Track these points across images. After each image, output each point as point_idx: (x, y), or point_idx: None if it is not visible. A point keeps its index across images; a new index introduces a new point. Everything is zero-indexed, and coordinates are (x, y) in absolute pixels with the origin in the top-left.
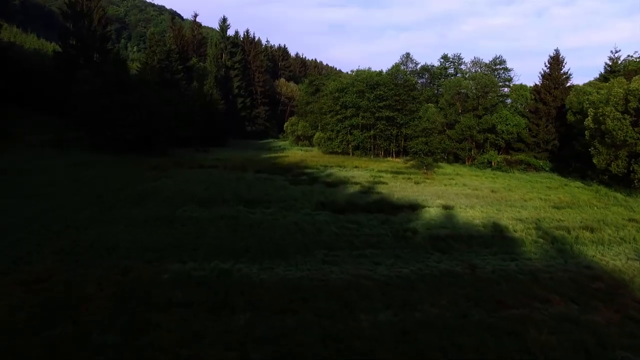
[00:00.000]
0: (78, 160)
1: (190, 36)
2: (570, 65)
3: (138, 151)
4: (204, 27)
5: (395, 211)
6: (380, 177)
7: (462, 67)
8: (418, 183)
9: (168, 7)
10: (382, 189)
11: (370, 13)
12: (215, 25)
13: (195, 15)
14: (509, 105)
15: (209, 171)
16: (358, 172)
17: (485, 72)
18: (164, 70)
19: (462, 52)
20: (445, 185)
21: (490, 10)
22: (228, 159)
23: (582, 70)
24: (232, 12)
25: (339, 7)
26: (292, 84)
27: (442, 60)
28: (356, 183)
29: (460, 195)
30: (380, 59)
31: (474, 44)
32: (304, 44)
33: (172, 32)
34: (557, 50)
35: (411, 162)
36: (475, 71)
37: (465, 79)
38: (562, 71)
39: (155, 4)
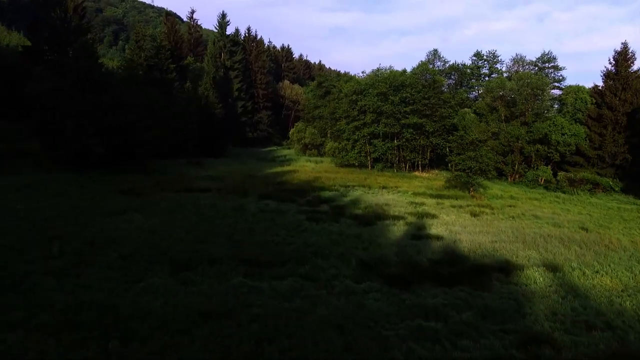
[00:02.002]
0: (22, 181)
1: (186, 34)
2: (571, 69)
3: (111, 167)
4: (204, 29)
5: (482, 279)
6: (422, 204)
7: (498, 66)
8: (476, 215)
9: (167, 9)
10: (436, 228)
11: (373, 17)
12: (214, 28)
13: (192, 12)
14: (564, 111)
15: (199, 197)
16: (389, 195)
17: (532, 72)
18: (152, 68)
19: (463, 56)
20: (513, 217)
21: (492, 14)
22: (225, 175)
23: (584, 75)
24: (232, 15)
25: (342, 12)
26: (296, 86)
27: (474, 58)
28: (397, 217)
29: (549, 238)
30: (382, 63)
31: (476, 48)
32: (306, 48)
33: (165, 27)
34: (625, 44)
35: (452, 180)
36: (516, 70)
37: (509, 79)
38: (631, 69)
39: (155, 5)
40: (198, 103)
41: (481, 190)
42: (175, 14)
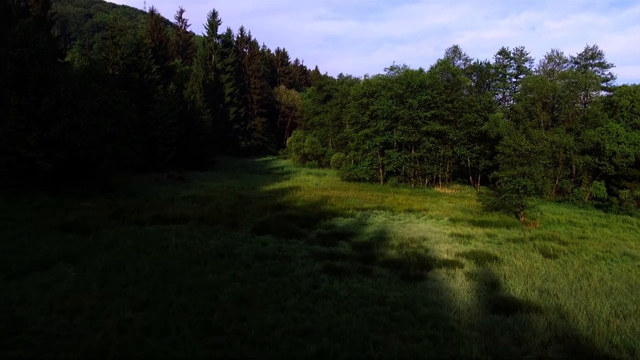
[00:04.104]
0: None
1: (174, 36)
2: None
3: (64, 186)
4: (197, 36)
5: None
6: (469, 237)
7: (527, 65)
8: (552, 255)
9: (159, 14)
10: (515, 284)
11: (367, 26)
12: (204, 28)
13: (181, 11)
14: (617, 116)
15: (171, 233)
16: (421, 222)
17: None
18: (130, 68)
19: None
20: (602, 258)
21: (485, 23)
22: (211, 194)
23: None
24: (227, 23)
25: (337, 21)
26: (293, 91)
27: (499, 56)
28: (450, 263)
29: None
30: (378, 70)
31: (469, 56)
32: (301, 56)
33: (148, 24)
34: None
35: (498, 202)
36: (551, 69)
37: (550, 78)
38: None
39: (147, 12)
40: (183, 108)
41: (538, 214)
42: (168, 20)
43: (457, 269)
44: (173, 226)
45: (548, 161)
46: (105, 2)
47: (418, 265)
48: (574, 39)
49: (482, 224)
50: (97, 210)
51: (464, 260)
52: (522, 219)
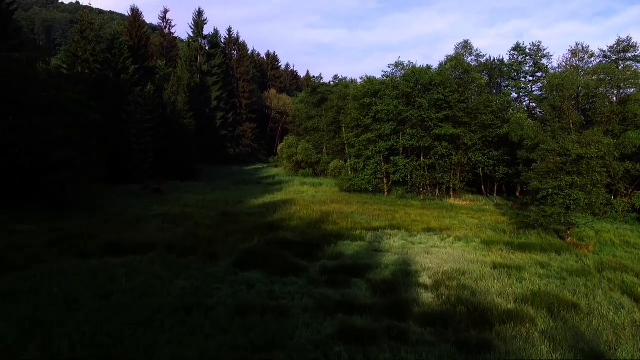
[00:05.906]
0: None
1: (158, 37)
2: None
3: (2, 203)
4: (184, 42)
5: None
6: (519, 270)
7: (544, 61)
8: None
9: (148, 21)
10: (626, 351)
11: (357, 35)
12: (189, 28)
13: (166, 11)
14: None
15: (123, 268)
16: (448, 247)
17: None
18: (103, 66)
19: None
20: None
21: (473, 32)
22: (189, 211)
23: None
24: (217, 29)
25: (326, 29)
26: (284, 96)
27: (514, 53)
28: (515, 317)
29: None
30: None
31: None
32: (292, 62)
33: (127, 21)
34: None
35: (531, 216)
36: (576, 64)
37: (581, 73)
38: None
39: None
40: (163, 111)
41: (591, 233)
42: (156, 26)
43: (527, 325)
44: (130, 258)
45: (603, 169)
46: (92, 8)
47: (471, 321)
48: (563, 47)
49: (523, 247)
50: (34, 235)
51: (530, 310)
52: (568, 239)
